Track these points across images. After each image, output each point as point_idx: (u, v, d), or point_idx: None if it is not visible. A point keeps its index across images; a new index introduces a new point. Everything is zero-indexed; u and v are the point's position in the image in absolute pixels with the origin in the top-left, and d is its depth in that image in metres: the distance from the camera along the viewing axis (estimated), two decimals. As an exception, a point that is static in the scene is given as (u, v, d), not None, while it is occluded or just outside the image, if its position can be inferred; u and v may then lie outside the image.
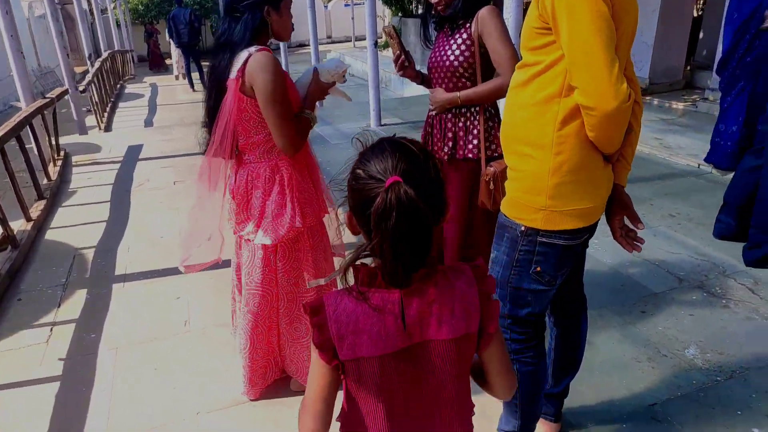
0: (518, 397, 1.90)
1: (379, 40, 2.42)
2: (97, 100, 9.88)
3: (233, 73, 2.03)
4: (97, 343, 3.00)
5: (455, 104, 2.45)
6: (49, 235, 4.52)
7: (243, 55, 2.01)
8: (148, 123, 9.61)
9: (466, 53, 2.40)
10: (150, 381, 2.69)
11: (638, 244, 1.77)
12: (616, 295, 3.18)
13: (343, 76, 2.28)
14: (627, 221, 1.79)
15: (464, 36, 2.41)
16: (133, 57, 18.78)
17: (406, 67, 2.53)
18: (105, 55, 12.78)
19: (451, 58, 2.43)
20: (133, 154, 6.75)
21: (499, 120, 2.51)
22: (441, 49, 2.50)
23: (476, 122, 2.49)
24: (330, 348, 1.10)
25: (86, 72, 12.17)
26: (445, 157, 2.50)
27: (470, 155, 2.48)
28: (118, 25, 18.66)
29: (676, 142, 5.80)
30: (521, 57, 1.68)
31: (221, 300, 3.26)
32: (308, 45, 10.56)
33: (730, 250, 3.48)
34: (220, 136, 2.08)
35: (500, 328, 1.20)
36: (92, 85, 9.51)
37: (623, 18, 1.52)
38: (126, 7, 19.79)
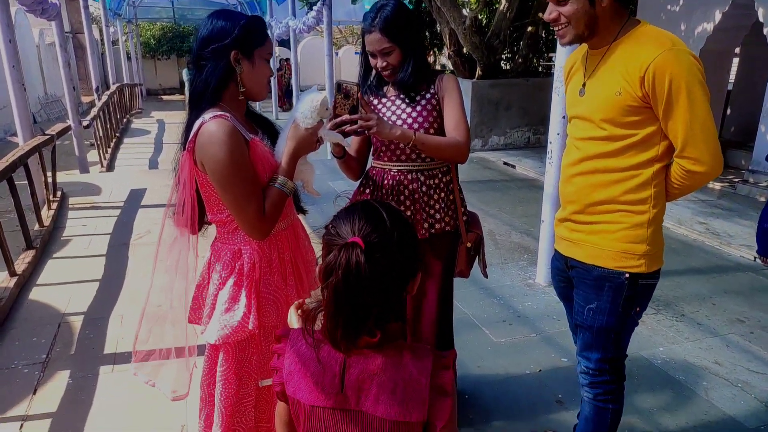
0: None
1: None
2: (101, 134, 9.48)
3: (187, 144, 1.66)
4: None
5: (404, 141, 1.98)
6: (35, 293, 3.99)
7: (197, 123, 1.63)
8: (153, 164, 9.18)
9: (434, 113, 2.15)
10: None
11: None
12: (704, 430, 2.65)
13: (327, 108, 1.77)
14: None
15: (427, 97, 2.17)
16: (141, 90, 18.63)
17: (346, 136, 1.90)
18: (113, 88, 12.49)
19: (415, 126, 2.12)
20: (135, 200, 6.28)
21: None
22: (397, 117, 2.16)
23: (450, 186, 2.23)
24: (281, 377, 1.16)
25: (93, 103, 11.84)
26: (426, 235, 2.20)
27: (447, 228, 2.24)
28: (129, 58, 18.56)
29: (724, 229, 5.38)
30: (603, 128, 1.77)
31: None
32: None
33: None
34: (180, 207, 1.73)
35: (453, 425, 1.11)
36: (97, 119, 9.12)
37: None
38: (138, 40, 19.74)
